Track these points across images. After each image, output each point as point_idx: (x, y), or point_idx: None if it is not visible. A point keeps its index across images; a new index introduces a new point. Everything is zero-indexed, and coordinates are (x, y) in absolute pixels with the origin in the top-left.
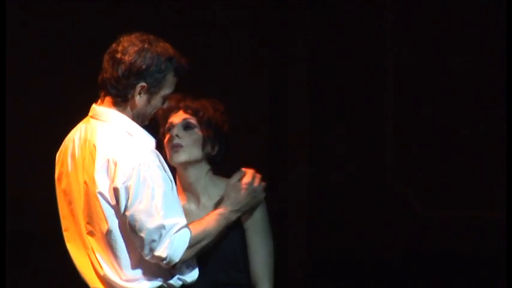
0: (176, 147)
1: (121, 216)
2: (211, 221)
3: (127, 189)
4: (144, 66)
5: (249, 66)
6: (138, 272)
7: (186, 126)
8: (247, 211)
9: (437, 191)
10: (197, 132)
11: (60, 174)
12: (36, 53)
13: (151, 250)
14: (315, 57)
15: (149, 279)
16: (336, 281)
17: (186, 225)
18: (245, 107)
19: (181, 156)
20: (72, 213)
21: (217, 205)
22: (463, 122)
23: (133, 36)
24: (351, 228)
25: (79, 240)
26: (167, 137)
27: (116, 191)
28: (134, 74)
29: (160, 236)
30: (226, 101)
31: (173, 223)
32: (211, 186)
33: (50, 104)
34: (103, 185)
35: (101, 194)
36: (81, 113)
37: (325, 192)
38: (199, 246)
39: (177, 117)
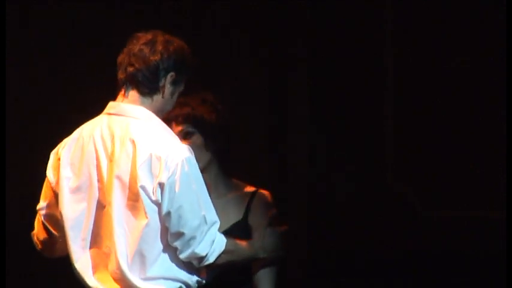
0: None
1: (161, 211)
2: (242, 243)
3: (171, 185)
4: (174, 55)
5: (249, 66)
6: (161, 271)
7: (185, 136)
8: (270, 256)
9: (437, 191)
10: (198, 137)
11: (73, 173)
12: (36, 53)
13: (190, 246)
14: (315, 57)
15: (170, 280)
16: (336, 281)
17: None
18: (245, 107)
19: None
20: (94, 211)
21: (226, 203)
22: (463, 122)
23: (149, 32)
24: (351, 228)
25: (94, 239)
26: None
27: (161, 186)
28: (166, 62)
29: (202, 232)
30: (226, 101)
31: (213, 220)
32: (221, 185)
33: (50, 104)
34: (145, 180)
35: (143, 188)
36: (81, 112)
37: (325, 192)
38: (227, 257)
39: (173, 131)
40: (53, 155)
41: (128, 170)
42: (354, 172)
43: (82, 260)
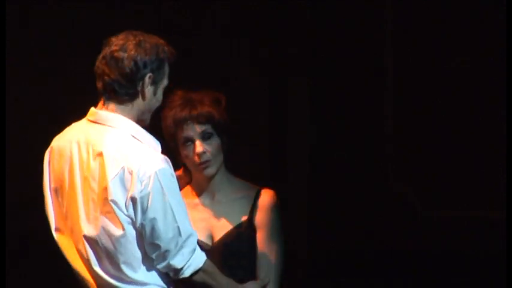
0: (206, 163)
1: (134, 223)
2: (227, 278)
3: (144, 198)
4: (147, 57)
5: (249, 66)
6: (141, 277)
7: (205, 137)
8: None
9: (437, 191)
10: (216, 138)
11: (53, 175)
12: (36, 53)
13: (166, 258)
14: (315, 57)
15: (151, 285)
16: (336, 281)
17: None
18: (245, 107)
19: (213, 169)
20: (66, 215)
21: (231, 202)
22: (463, 122)
23: (121, 35)
24: (351, 228)
25: (72, 241)
26: (186, 151)
27: (133, 200)
28: (141, 66)
29: (177, 244)
30: (226, 101)
31: (189, 232)
32: (226, 184)
33: (50, 104)
34: (117, 194)
35: (114, 202)
36: (81, 113)
37: (325, 192)
38: (204, 276)
39: (193, 130)
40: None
41: (99, 182)
42: (354, 172)
43: (70, 259)
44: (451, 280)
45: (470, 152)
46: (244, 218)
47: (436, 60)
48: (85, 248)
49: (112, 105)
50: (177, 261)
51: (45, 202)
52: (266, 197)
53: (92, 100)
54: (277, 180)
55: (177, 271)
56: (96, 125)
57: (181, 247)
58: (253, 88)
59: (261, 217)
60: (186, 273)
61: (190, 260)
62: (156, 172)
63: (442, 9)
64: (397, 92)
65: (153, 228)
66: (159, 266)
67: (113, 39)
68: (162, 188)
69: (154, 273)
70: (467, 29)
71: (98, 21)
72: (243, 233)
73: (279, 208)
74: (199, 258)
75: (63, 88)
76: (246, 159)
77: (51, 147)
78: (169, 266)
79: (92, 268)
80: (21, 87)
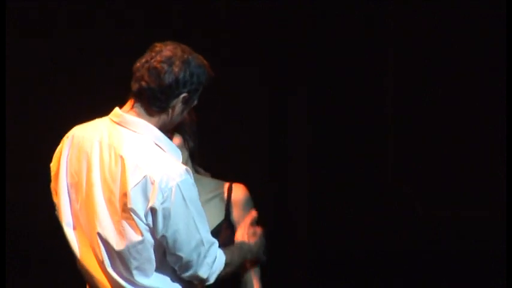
0: None
1: (153, 231)
2: (235, 249)
3: (165, 210)
4: (190, 77)
5: (249, 66)
6: (156, 283)
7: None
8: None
9: (438, 191)
10: (178, 137)
11: (70, 169)
12: (37, 52)
13: (189, 269)
14: (315, 57)
15: None
16: (336, 281)
17: (219, 246)
18: (245, 107)
19: None
20: (80, 212)
21: (205, 204)
22: (463, 122)
23: (169, 45)
24: (351, 228)
25: (84, 238)
26: None
27: (152, 211)
28: (181, 84)
29: (199, 255)
30: (226, 102)
31: (210, 242)
32: (197, 184)
33: (50, 104)
34: (137, 202)
35: (133, 210)
36: (82, 113)
37: (325, 192)
38: (225, 271)
39: None
40: (60, 145)
41: (120, 187)
42: (354, 172)
43: (80, 255)
44: (451, 280)
45: (470, 152)
46: (222, 218)
47: (436, 60)
48: (99, 248)
49: (139, 111)
50: (202, 272)
51: (59, 195)
52: (239, 192)
53: (94, 101)
54: (277, 181)
55: (203, 280)
56: (120, 127)
57: (205, 257)
58: (253, 88)
59: (237, 214)
60: (211, 279)
61: (214, 267)
62: (178, 184)
63: (442, 10)
64: (397, 92)
65: (175, 240)
66: (184, 276)
67: (161, 46)
68: (184, 199)
69: (167, 280)
70: (467, 29)
71: (99, 20)
72: (224, 234)
73: (252, 201)
74: (221, 261)
75: (64, 88)
76: (246, 159)
77: (72, 137)
78: (195, 276)
79: (105, 268)
80: (21, 87)
